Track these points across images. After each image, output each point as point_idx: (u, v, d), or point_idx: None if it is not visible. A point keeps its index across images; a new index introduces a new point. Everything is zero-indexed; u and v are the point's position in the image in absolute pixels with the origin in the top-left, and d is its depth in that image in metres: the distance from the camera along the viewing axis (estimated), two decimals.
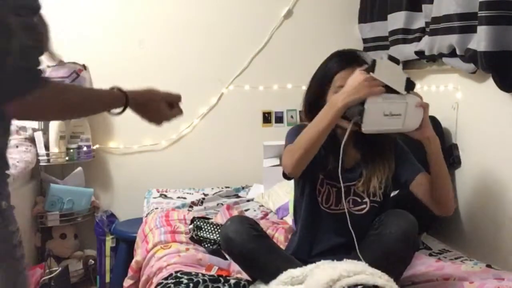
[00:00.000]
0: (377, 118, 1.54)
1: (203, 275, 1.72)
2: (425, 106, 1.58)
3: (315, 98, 1.72)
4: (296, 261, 1.69)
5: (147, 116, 1.30)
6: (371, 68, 1.52)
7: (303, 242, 1.80)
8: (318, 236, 1.78)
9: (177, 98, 1.35)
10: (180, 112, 1.36)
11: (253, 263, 1.68)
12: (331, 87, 1.68)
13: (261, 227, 1.81)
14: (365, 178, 1.74)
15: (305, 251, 1.78)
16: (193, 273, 1.74)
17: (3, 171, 1.08)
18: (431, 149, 1.64)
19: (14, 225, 1.07)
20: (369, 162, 1.74)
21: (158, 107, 1.29)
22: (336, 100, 1.51)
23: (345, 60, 1.70)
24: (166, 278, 1.72)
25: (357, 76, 1.51)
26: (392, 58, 1.60)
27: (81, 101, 1.13)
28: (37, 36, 0.98)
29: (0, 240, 1.01)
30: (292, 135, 1.68)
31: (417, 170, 1.74)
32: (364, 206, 1.75)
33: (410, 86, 1.58)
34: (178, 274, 1.72)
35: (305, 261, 1.67)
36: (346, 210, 1.65)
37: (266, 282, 1.62)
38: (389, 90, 1.54)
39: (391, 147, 1.77)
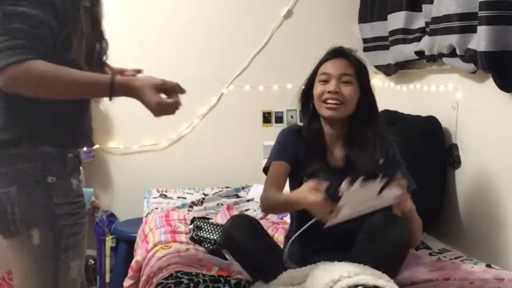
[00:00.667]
0: (352, 206, 1.50)
1: (204, 275, 1.72)
2: (400, 200, 1.56)
3: (307, 88, 1.86)
4: (296, 260, 1.69)
5: (143, 103, 1.30)
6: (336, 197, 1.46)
7: (296, 246, 1.80)
8: (308, 239, 1.78)
9: (173, 86, 1.31)
10: (175, 102, 1.30)
11: (254, 262, 1.68)
12: (317, 75, 1.81)
13: (262, 226, 1.81)
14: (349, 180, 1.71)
15: (298, 254, 1.77)
16: (194, 273, 1.74)
17: (59, 152, 1.27)
18: (407, 218, 1.66)
19: (63, 198, 1.25)
20: (355, 162, 1.74)
21: (145, 93, 1.26)
22: (303, 200, 1.55)
23: (331, 52, 1.83)
24: (166, 278, 1.72)
25: (314, 197, 1.50)
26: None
27: (55, 82, 1.20)
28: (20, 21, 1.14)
29: (42, 207, 1.23)
30: (276, 149, 1.81)
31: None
32: None
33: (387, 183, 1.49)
34: (179, 274, 1.72)
35: (303, 262, 1.67)
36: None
37: (266, 281, 1.62)
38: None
39: (380, 153, 1.75)
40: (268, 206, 1.77)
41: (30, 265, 1.28)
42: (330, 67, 1.79)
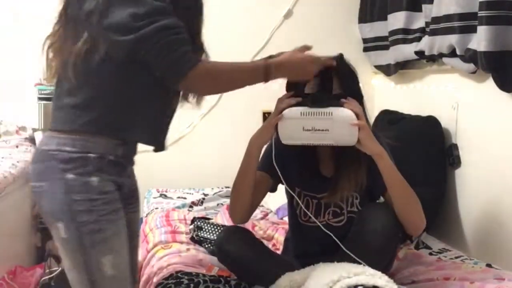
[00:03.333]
0: (296, 133, 1.51)
1: (204, 275, 1.72)
2: (359, 125, 1.48)
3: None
4: (293, 264, 1.67)
5: (294, 74, 1.47)
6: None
7: (291, 252, 1.80)
8: (303, 247, 1.77)
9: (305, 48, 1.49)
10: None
11: (252, 272, 1.66)
12: None
13: (255, 235, 1.80)
14: (332, 189, 1.67)
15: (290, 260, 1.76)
16: (194, 273, 1.74)
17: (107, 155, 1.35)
18: (380, 166, 1.55)
19: (82, 195, 1.30)
20: (341, 172, 1.66)
21: (295, 56, 1.44)
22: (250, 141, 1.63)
23: None
24: (166, 278, 1.72)
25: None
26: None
27: (227, 76, 1.39)
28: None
29: (62, 202, 1.30)
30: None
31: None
32: (342, 217, 1.70)
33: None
34: (179, 275, 1.72)
35: (302, 264, 1.66)
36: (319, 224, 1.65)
37: (266, 287, 1.61)
38: (320, 100, 1.49)
39: (366, 157, 1.62)
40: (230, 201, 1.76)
41: (65, 257, 1.38)
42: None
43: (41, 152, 1.36)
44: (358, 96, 1.62)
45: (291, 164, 1.70)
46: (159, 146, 1.49)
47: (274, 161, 1.63)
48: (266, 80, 1.41)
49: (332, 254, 1.61)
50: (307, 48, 1.53)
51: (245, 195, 1.66)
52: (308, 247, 1.74)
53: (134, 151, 1.50)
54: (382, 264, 1.57)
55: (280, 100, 1.58)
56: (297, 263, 1.69)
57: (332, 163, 1.71)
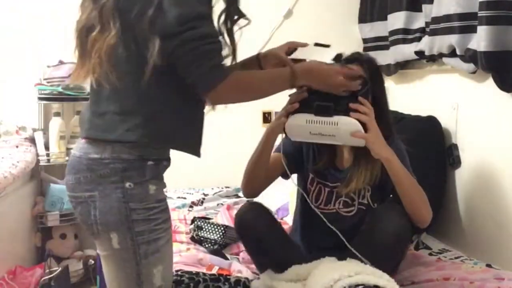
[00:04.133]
0: (304, 135, 1.53)
1: (204, 274, 1.72)
2: (362, 137, 1.51)
3: None
4: (304, 254, 1.71)
5: (321, 84, 1.45)
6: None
7: (300, 241, 1.81)
8: (312, 235, 1.78)
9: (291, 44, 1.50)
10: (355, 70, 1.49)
11: (267, 252, 1.68)
12: None
13: (273, 216, 1.83)
14: (346, 181, 1.71)
15: (303, 250, 1.78)
16: (194, 272, 1.74)
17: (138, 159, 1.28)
18: (388, 169, 1.59)
19: (139, 203, 1.26)
20: (356, 165, 1.71)
21: (323, 66, 1.42)
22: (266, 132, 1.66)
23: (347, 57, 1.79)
24: None
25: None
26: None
27: (256, 86, 1.36)
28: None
29: (118, 212, 1.24)
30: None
31: None
32: (353, 208, 1.74)
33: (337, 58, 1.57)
34: (179, 273, 1.72)
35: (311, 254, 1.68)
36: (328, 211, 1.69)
37: (275, 271, 1.63)
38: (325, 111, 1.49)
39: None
40: (243, 176, 1.81)
41: (113, 268, 1.30)
42: None
43: (90, 160, 1.28)
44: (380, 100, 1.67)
45: (308, 151, 1.77)
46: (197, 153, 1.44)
47: (283, 157, 1.72)
48: (292, 87, 1.41)
49: (341, 248, 1.62)
50: (293, 44, 1.58)
51: (258, 174, 1.73)
52: (319, 236, 1.76)
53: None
54: (390, 265, 1.60)
55: (291, 100, 1.59)
56: (307, 253, 1.73)
57: (350, 156, 1.74)
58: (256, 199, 1.87)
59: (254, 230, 1.69)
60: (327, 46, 1.55)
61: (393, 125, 1.78)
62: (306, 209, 1.79)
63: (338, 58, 1.65)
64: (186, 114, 1.34)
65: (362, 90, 1.54)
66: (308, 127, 1.51)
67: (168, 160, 1.38)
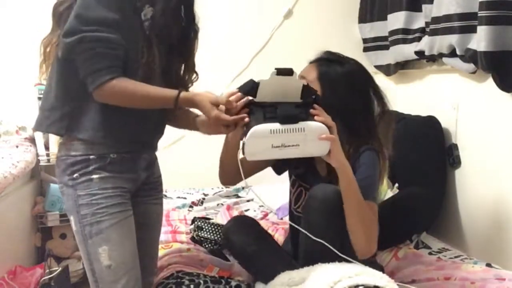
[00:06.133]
0: (263, 150, 1.43)
1: (205, 276, 1.72)
2: (330, 139, 1.44)
3: None
4: (292, 263, 1.67)
5: (204, 114, 1.51)
6: (253, 91, 1.46)
7: (288, 243, 1.81)
8: (297, 238, 1.76)
9: (223, 102, 1.46)
10: (231, 119, 1.45)
11: (254, 264, 1.69)
12: None
13: (262, 227, 1.81)
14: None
15: (290, 252, 1.77)
16: (195, 273, 1.74)
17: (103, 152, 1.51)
18: (340, 179, 1.50)
19: (83, 190, 1.47)
20: (333, 174, 1.58)
21: (205, 106, 1.46)
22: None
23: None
24: (167, 278, 1.72)
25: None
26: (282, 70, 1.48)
27: (138, 98, 1.45)
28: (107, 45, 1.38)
29: (71, 198, 1.49)
30: None
31: None
32: None
33: (308, 93, 1.45)
34: (180, 275, 1.72)
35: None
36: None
37: (266, 282, 1.62)
38: (291, 117, 1.41)
39: (355, 160, 1.59)
40: None
41: (79, 248, 1.52)
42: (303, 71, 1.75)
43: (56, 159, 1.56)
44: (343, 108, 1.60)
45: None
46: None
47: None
48: (176, 108, 1.50)
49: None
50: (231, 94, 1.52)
51: (227, 168, 1.81)
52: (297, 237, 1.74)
53: (141, 147, 1.63)
54: (330, 234, 1.50)
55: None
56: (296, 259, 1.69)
57: (325, 164, 1.67)
58: (256, 199, 1.85)
59: (237, 244, 1.69)
60: (290, 70, 1.49)
61: (371, 133, 1.67)
62: (291, 211, 1.79)
63: (282, 72, 1.54)
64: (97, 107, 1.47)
65: (310, 100, 1.48)
66: (271, 139, 1.42)
67: (118, 153, 1.52)
